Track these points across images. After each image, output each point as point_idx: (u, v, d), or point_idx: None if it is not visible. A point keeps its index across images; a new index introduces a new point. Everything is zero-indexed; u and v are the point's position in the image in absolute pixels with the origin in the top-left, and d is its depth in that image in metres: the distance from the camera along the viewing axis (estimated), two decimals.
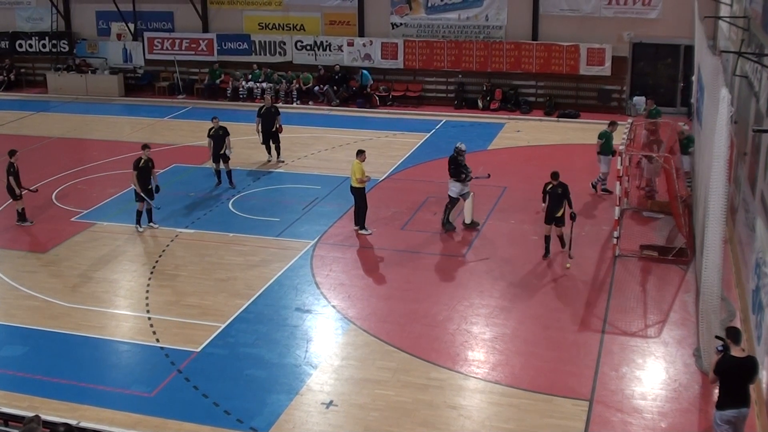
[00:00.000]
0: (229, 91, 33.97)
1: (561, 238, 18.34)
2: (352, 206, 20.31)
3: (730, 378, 10.89)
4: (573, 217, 18.10)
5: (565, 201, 18.00)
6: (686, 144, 21.84)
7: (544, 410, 12.96)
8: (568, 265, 17.82)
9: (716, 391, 13.18)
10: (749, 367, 10.94)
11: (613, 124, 22.09)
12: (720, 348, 11.08)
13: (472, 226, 20.19)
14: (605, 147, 21.68)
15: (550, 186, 18.11)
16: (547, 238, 18.32)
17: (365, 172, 19.69)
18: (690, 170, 21.88)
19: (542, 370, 13.91)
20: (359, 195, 19.85)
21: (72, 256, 19.15)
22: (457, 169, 19.86)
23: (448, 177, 20.08)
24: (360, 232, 19.90)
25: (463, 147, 20.03)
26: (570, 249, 18.22)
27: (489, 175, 20.98)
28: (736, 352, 10.92)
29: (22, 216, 21.06)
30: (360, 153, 19.91)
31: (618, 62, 30.46)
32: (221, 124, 23.52)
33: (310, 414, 13.02)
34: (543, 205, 18.33)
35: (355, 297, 16.95)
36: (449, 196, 20.03)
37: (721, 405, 11.05)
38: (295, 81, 33.58)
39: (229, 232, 20.28)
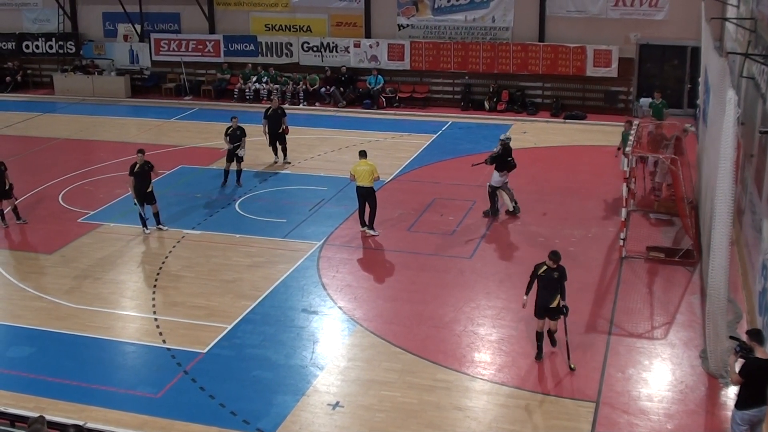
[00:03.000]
0: (236, 93, 34.01)
1: (553, 335, 14.55)
2: (357, 208, 20.26)
3: (755, 379, 10.87)
4: (565, 311, 14.05)
5: (559, 288, 14.09)
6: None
7: (551, 412, 12.96)
8: (573, 366, 14.10)
9: (723, 392, 13.26)
10: None
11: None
12: (737, 349, 11.05)
13: (516, 211, 21.07)
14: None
15: (544, 270, 14.07)
16: (540, 336, 14.39)
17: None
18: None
19: (549, 372, 13.89)
20: (373, 195, 19.93)
21: (79, 257, 19.19)
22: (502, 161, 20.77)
23: (493, 170, 20.80)
24: (369, 232, 19.92)
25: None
26: (569, 357, 14.20)
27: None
28: (760, 353, 10.89)
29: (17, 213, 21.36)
30: (365, 153, 20.14)
31: (625, 64, 30.42)
32: (240, 124, 23.62)
33: (317, 415, 13.03)
34: (525, 297, 14.37)
35: (362, 298, 16.96)
36: (492, 186, 20.84)
37: (743, 405, 11.03)
38: (302, 82, 33.60)
39: (236, 234, 20.30)
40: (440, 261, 18.55)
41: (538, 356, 14.37)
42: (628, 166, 18.34)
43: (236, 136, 23.34)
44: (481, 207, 21.31)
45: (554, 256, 14.02)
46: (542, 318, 14.19)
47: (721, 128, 13.20)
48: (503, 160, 20.71)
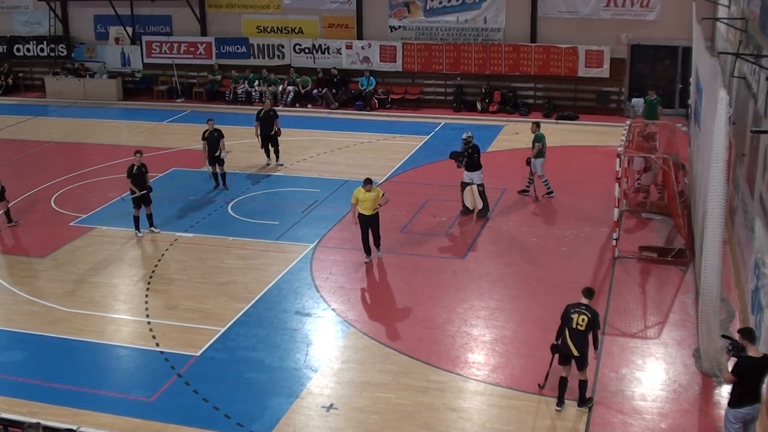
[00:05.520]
0: (227, 95, 33.98)
1: (583, 385, 12.98)
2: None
3: (748, 378, 10.90)
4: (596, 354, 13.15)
5: (590, 334, 12.72)
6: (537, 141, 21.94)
7: (545, 412, 12.96)
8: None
9: (716, 390, 13.28)
10: (767, 366, 10.93)
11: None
12: (730, 347, 11.08)
13: (485, 210, 21.02)
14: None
15: (576, 311, 12.73)
16: (564, 383, 12.96)
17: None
18: (541, 174, 22.13)
19: (542, 372, 13.84)
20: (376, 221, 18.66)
21: (71, 261, 19.14)
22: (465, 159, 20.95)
23: (464, 172, 20.96)
24: (378, 254, 18.88)
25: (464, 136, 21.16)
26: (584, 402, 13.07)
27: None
28: (752, 351, 10.92)
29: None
30: (369, 182, 18.35)
31: (616, 64, 30.50)
32: (216, 126, 23.53)
33: (311, 417, 13.01)
34: (555, 343, 13.00)
35: (355, 300, 16.96)
36: (482, 184, 20.89)
37: (736, 403, 11.05)
38: (282, 83, 33.53)
39: (229, 236, 20.27)
40: (433, 262, 18.55)
41: (560, 405, 13.04)
42: (620, 166, 18.35)
43: (214, 139, 23.26)
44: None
45: (589, 293, 13.07)
46: (567, 365, 12.98)
47: (712, 128, 13.23)
48: (476, 159, 20.88)
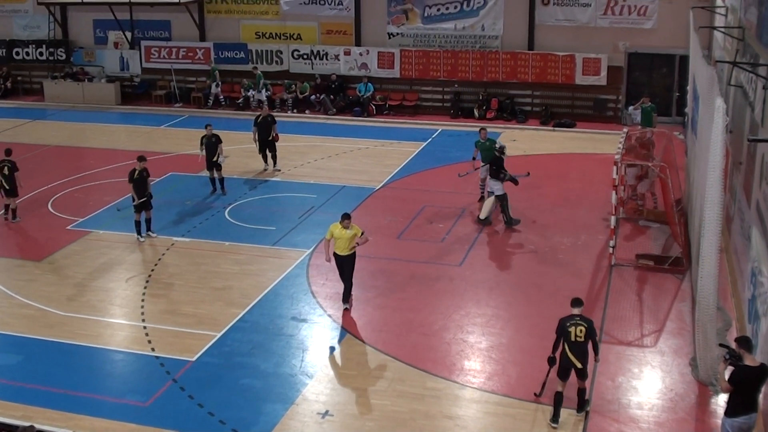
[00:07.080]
0: (219, 99, 34.01)
1: (582, 393, 12.94)
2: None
3: (745, 387, 10.88)
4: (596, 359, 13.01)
5: (590, 344, 12.66)
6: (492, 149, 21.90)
7: (541, 420, 12.94)
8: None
9: (713, 399, 13.28)
10: (764, 375, 10.93)
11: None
12: (727, 356, 11.07)
13: (486, 223, 20.75)
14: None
15: (572, 324, 12.64)
16: (560, 399, 12.80)
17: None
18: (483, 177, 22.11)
19: (538, 380, 13.83)
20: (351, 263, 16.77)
21: (68, 265, 19.11)
22: (499, 169, 20.72)
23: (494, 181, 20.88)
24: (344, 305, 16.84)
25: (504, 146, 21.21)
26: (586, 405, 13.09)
27: (528, 174, 21.96)
28: (749, 361, 10.91)
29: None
30: (347, 218, 16.38)
31: (613, 72, 30.55)
32: (214, 131, 23.54)
33: (306, 424, 12.99)
34: (552, 355, 12.86)
35: (351, 306, 16.91)
36: (496, 195, 20.67)
37: (732, 412, 11.02)
38: (293, 87, 33.57)
39: (225, 241, 20.25)
40: (430, 269, 18.54)
41: (555, 421, 12.83)
42: (617, 174, 18.36)
43: (212, 144, 23.28)
44: (470, 215, 21.34)
45: (577, 303, 12.93)
46: (566, 380, 12.81)
47: (709, 136, 13.25)
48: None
